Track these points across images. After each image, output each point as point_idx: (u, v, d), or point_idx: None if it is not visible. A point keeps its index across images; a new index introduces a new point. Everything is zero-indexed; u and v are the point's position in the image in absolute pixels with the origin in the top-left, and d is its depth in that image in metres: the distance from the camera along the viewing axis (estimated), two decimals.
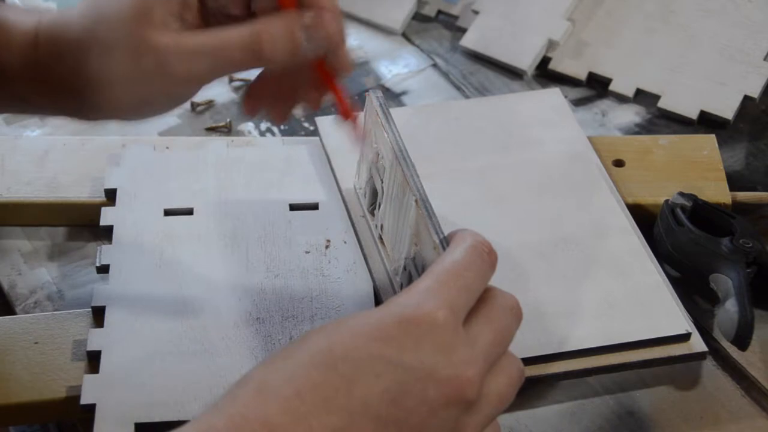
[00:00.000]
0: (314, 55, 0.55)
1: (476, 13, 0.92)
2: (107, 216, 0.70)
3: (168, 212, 0.71)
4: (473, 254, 0.50)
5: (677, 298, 0.66)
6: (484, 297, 0.50)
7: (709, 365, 0.65)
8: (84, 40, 0.54)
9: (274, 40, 0.53)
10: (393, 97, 0.88)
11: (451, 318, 0.47)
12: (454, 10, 0.95)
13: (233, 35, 0.53)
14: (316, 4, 0.54)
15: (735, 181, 0.77)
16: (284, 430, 0.44)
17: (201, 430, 0.44)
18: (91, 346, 0.62)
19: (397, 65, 0.92)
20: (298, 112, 0.63)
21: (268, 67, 0.58)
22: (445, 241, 0.53)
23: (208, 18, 0.56)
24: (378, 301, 0.65)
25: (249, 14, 0.57)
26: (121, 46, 0.53)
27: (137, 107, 0.56)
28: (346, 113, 0.61)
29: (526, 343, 0.63)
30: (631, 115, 0.86)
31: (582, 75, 0.89)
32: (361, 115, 0.63)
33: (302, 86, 0.59)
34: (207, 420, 0.45)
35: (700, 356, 0.64)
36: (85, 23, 0.54)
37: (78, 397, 0.59)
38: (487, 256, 0.50)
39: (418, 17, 0.96)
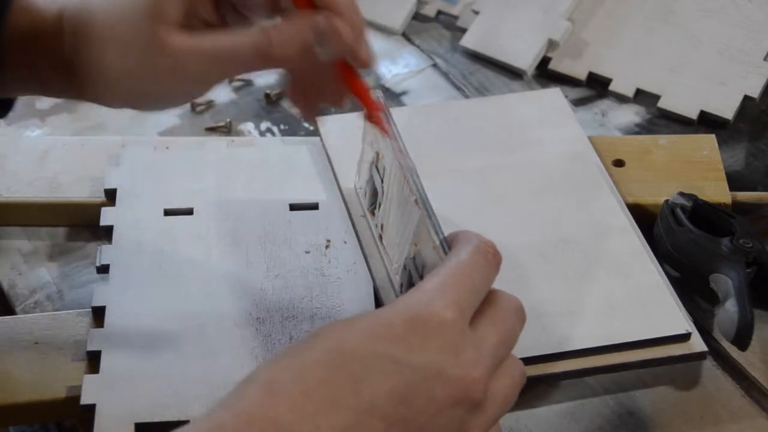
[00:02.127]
0: (328, 58, 0.55)
1: (476, 13, 0.92)
2: (107, 216, 0.70)
3: (168, 212, 0.71)
4: (479, 255, 0.50)
5: (677, 298, 0.66)
6: (490, 299, 0.50)
7: (709, 365, 0.65)
8: (103, 34, 0.55)
9: (284, 43, 0.53)
10: (393, 97, 0.88)
11: (459, 318, 0.47)
12: (454, 10, 0.95)
13: (244, 37, 0.53)
14: (332, 6, 0.54)
15: (735, 181, 0.77)
16: (291, 429, 0.44)
17: (207, 427, 0.44)
18: (91, 346, 0.62)
19: (397, 65, 0.92)
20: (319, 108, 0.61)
21: (282, 68, 0.58)
22: (446, 242, 0.53)
23: (224, 14, 0.56)
24: (378, 300, 0.65)
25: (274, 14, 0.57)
26: (136, 42, 0.54)
27: (149, 100, 0.57)
28: (371, 111, 0.59)
29: (526, 343, 0.62)
30: (631, 115, 0.86)
31: (582, 75, 0.89)
32: (386, 112, 0.61)
33: (326, 83, 0.58)
34: (214, 418, 0.45)
35: (700, 356, 0.64)
36: (105, 18, 0.55)
37: (78, 397, 0.59)
38: (492, 258, 0.51)
39: (418, 17, 0.96)
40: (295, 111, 0.60)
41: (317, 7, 0.54)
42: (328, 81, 0.58)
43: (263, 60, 0.54)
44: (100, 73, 0.55)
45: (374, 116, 0.59)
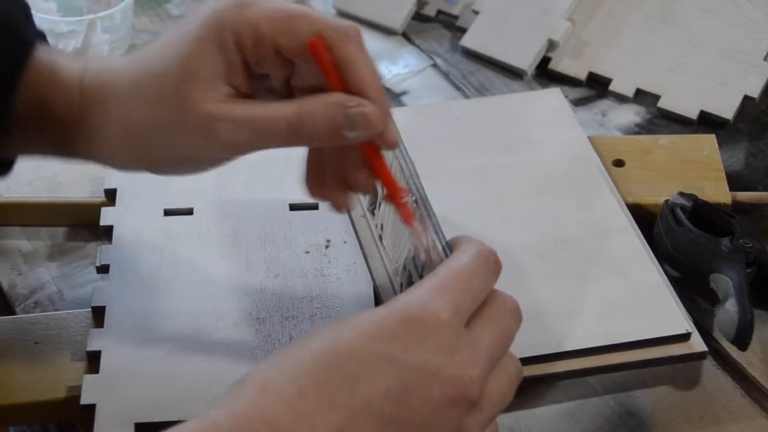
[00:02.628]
0: (356, 141, 0.53)
1: (476, 13, 0.92)
2: (107, 216, 0.70)
3: (168, 212, 0.71)
4: (480, 260, 0.50)
5: (677, 298, 0.66)
6: (486, 299, 0.50)
7: (709, 365, 0.65)
8: (129, 92, 0.54)
9: (315, 121, 0.52)
10: (393, 97, 0.88)
11: (456, 319, 0.48)
12: (454, 10, 0.95)
13: (279, 111, 0.53)
14: (363, 90, 0.53)
15: (735, 181, 0.77)
16: (287, 429, 0.44)
17: (203, 427, 0.44)
18: (91, 346, 0.62)
19: (397, 65, 0.92)
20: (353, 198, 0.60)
21: (311, 146, 0.58)
22: (448, 247, 0.53)
23: (254, 86, 0.55)
24: (378, 301, 0.65)
25: (289, 91, 0.56)
26: (166, 103, 0.53)
27: (175, 163, 0.56)
28: (394, 195, 0.56)
29: (526, 343, 0.63)
30: (631, 115, 0.86)
31: (582, 75, 0.89)
32: (410, 199, 0.57)
33: (351, 166, 0.57)
34: (210, 417, 0.45)
35: (700, 356, 0.64)
36: (132, 77, 0.54)
37: (78, 397, 0.59)
38: (492, 265, 0.51)
39: (418, 17, 0.96)
40: (307, 192, 0.59)
41: (348, 89, 0.53)
42: (351, 166, 0.57)
43: (294, 135, 0.53)
44: (122, 133, 0.54)
45: (398, 200, 0.56)
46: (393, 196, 0.56)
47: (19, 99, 0.55)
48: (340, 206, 0.59)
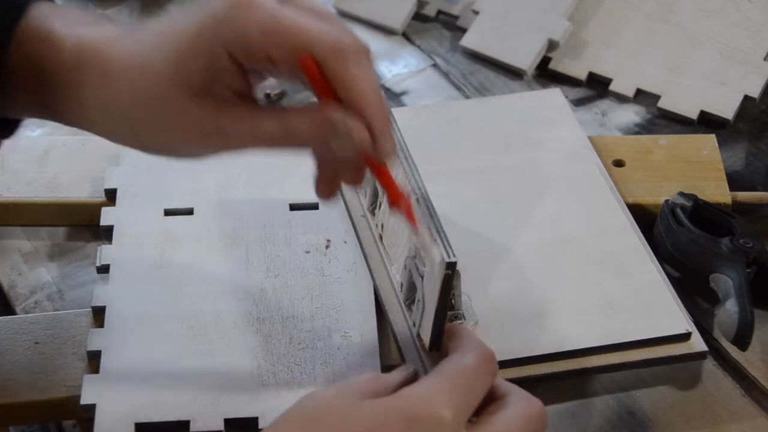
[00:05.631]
0: (342, 154, 0.52)
1: (476, 13, 0.92)
2: (107, 216, 0.70)
3: (168, 212, 0.71)
4: (483, 364, 0.51)
5: (677, 297, 0.66)
6: (505, 399, 0.51)
7: (709, 365, 0.65)
8: (122, 76, 0.53)
9: (301, 136, 0.52)
10: (393, 97, 0.88)
11: (459, 421, 0.48)
12: (454, 10, 0.95)
13: (265, 125, 0.52)
14: (353, 102, 0.51)
15: (735, 181, 0.77)
16: None
17: None
18: (91, 346, 0.62)
19: (397, 65, 0.92)
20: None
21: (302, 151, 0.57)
22: (449, 246, 0.53)
23: (249, 81, 0.54)
24: (378, 300, 0.65)
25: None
26: (157, 102, 0.53)
27: (163, 152, 0.56)
28: (395, 199, 0.55)
29: (526, 343, 0.63)
30: (631, 115, 0.86)
31: (582, 75, 0.89)
32: (414, 203, 0.56)
33: (343, 164, 0.55)
34: None
35: (700, 356, 0.64)
36: (126, 61, 0.53)
37: (78, 397, 0.59)
38: (492, 367, 0.52)
39: (418, 17, 0.96)
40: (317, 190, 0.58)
41: (340, 99, 0.51)
42: (348, 166, 0.55)
43: (280, 147, 0.53)
44: (112, 111, 0.54)
45: (400, 204, 0.55)
46: (393, 201, 0.55)
47: (14, 58, 0.54)
48: (326, 194, 0.57)
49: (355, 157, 0.52)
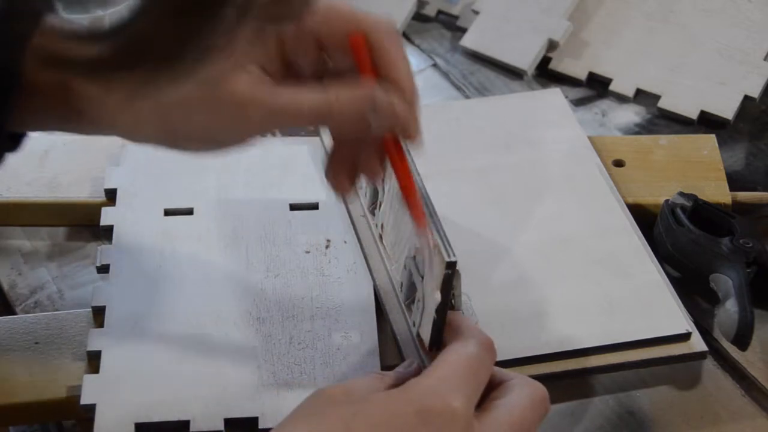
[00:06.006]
0: (380, 129, 0.54)
1: (476, 13, 0.92)
2: (107, 216, 0.70)
3: (168, 212, 0.71)
4: (485, 352, 0.52)
5: (677, 297, 0.66)
6: (506, 384, 0.52)
7: (709, 365, 0.65)
8: None
9: (343, 111, 0.53)
10: None
11: (469, 410, 0.49)
12: (454, 10, 0.95)
13: (308, 99, 0.53)
14: (392, 77, 0.53)
15: (735, 181, 0.77)
16: None
17: None
18: (91, 346, 0.62)
19: None
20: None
21: (336, 132, 0.57)
22: (450, 245, 0.53)
23: (284, 68, 0.55)
24: (378, 300, 0.65)
25: (314, 72, 0.56)
26: (197, 81, 0.52)
27: (200, 143, 0.56)
28: (408, 190, 0.56)
29: (526, 343, 0.63)
30: (631, 115, 0.86)
31: (582, 75, 0.89)
32: (422, 198, 0.56)
33: (365, 153, 0.57)
34: None
35: (700, 356, 0.64)
36: None
37: (78, 397, 0.59)
38: (492, 353, 0.53)
39: (418, 17, 0.96)
40: (329, 185, 0.58)
41: (379, 74, 0.53)
42: (370, 155, 0.57)
43: (320, 122, 0.54)
44: (149, 105, 0.53)
45: (411, 196, 0.56)
46: (408, 192, 0.56)
47: (34, 66, 0.53)
48: (342, 189, 0.58)
49: (388, 135, 0.54)
